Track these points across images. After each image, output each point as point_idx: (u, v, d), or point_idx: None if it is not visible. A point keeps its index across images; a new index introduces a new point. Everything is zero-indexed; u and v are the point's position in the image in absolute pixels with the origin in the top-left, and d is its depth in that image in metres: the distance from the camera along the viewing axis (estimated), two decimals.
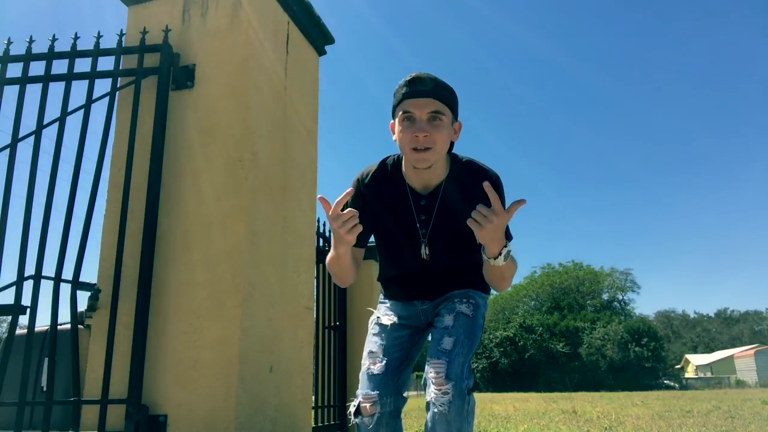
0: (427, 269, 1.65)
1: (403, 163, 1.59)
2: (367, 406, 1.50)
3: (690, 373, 43.46)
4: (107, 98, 2.63)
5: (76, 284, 2.44)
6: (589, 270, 47.70)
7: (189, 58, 2.80)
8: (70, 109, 2.61)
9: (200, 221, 2.56)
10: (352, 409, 1.54)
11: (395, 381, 1.55)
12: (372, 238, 1.75)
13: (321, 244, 4.60)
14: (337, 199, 1.37)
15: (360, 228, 1.40)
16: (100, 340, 2.44)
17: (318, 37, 3.50)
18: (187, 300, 2.47)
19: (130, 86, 2.70)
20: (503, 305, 48.04)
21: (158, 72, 2.67)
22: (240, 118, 2.65)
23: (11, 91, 2.68)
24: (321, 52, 3.60)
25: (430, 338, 1.58)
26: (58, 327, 2.45)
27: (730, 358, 40.68)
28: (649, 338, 35.79)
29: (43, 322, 3.02)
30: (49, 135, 2.59)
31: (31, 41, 2.70)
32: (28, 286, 2.38)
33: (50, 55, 2.67)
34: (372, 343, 1.64)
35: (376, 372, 1.54)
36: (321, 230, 4.64)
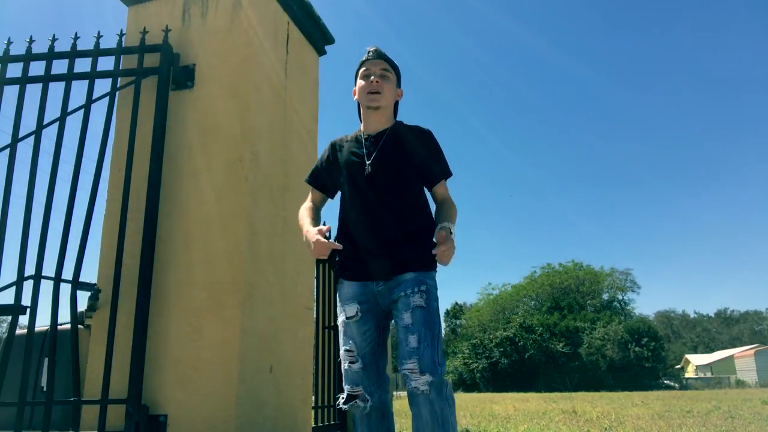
0: (376, 211, 1.81)
1: (361, 118, 1.99)
2: (356, 399, 1.74)
3: (690, 373, 43.40)
4: (107, 98, 2.63)
5: (76, 284, 2.44)
6: (589, 270, 47.63)
7: (189, 58, 2.79)
8: (70, 109, 2.61)
9: (200, 221, 2.56)
10: (341, 401, 1.76)
11: (375, 370, 1.78)
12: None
13: None
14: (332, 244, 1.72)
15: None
16: (100, 340, 2.44)
17: (318, 37, 3.50)
18: (187, 300, 2.47)
19: (130, 86, 2.69)
20: (503, 305, 48.02)
21: (158, 72, 2.67)
22: (240, 118, 2.65)
23: (11, 91, 2.69)
24: (321, 52, 3.60)
25: (398, 335, 1.73)
26: (58, 327, 2.45)
27: (730, 358, 40.63)
28: (649, 338, 35.71)
29: (43, 322, 3.02)
30: (49, 135, 2.60)
31: (31, 41, 2.70)
32: (28, 286, 2.38)
33: (50, 55, 2.67)
34: (344, 341, 1.81)
35: (355, 369, 1.76)
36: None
